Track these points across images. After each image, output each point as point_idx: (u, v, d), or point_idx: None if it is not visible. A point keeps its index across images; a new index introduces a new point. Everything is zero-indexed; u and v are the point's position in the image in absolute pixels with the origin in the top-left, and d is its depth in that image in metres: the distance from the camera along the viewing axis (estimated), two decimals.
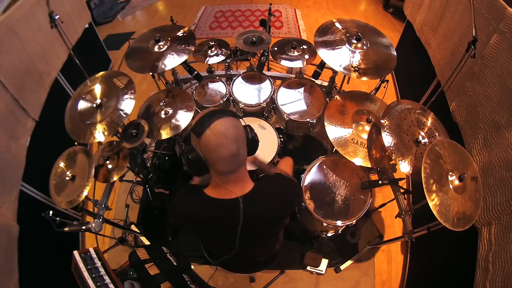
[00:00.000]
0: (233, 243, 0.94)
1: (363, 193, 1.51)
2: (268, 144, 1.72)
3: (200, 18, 4.18)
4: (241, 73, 2.04)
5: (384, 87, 1.74)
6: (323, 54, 1.56)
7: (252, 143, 0.92)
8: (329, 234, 1.75)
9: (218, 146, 0.78)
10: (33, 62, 1.86)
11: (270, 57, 2.14)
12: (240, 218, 0.87)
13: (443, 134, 1.38)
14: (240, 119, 0.87)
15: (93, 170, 1.36)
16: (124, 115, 1.44)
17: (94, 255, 1.19)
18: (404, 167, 1.25)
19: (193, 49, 1.73)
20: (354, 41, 1.56)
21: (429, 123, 1.39)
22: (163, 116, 1.67)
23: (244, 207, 0.87)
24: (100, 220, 1.46)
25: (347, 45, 1.57)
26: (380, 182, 1.41)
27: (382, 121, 1.33)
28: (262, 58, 1.92)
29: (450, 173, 1.13)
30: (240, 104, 1.90)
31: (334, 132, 1.51)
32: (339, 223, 1.45)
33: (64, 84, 2.26)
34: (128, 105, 1.47)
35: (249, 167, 1.58)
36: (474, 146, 1.40)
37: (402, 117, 1.37)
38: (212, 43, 2.03)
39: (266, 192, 0.94)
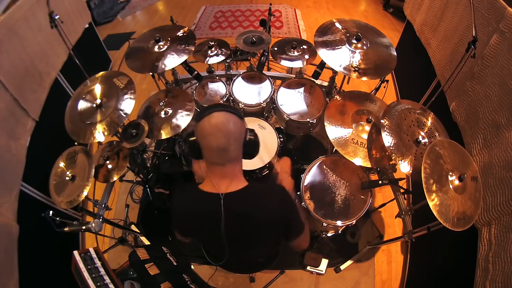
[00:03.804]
0: (221, 242, 0.94)
1: (363, 193, 1.51)
2: (268, 144, 1.72)
3: (200, 18, 4.18)
4: (241, 73, 2.04)
5: (384, 87, 1.74)
6: (323, 54, 1.56)
7: (248, 146, 0.92)
8: (329, 234, 1.74)
9: (208, 135, 0.83)
10: (33, 62, 1.86)
11: (270, 57, 2.14)
12: (222, 215, 0.87)
13: (443, 134, 1.38)
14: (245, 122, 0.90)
15: (93, 170, 1.36)
16: (124, 115, 1.44)
17: (94, 255, 1.19)
18: (404, 167, 1.25)
19: (193, 49, 1.73)
20: (354, 41, 1.56)
21: (429, 123, 1.39)
22: (163, 116, 1.67)
23: (225, 204, 0.87)
24: (100, 220, 1.46)
25: (347, 45, 1.57)
26: (380, 182, 1.40)
27: (382, 121, 1.33)
28: (262, 58, 1.92)
29: (450, 173, 1.13)
30: (240, 104, 1.90)
31: (334, 132, 1.51)
32: (339, 223, 1.45)
33: (64, 84, 2.26)
34: (128, 105, 1.47)
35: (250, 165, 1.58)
36: (474, 146, 1.40)
37: (402, 117, 1.37)
38: (212, 43, 2.03)
39: (256, 195, 0.92)
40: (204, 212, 0.91)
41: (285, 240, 1.02)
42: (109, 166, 1.55)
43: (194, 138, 0.90)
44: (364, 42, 1.57)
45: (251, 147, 0.94)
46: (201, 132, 0.85)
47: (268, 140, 1.75)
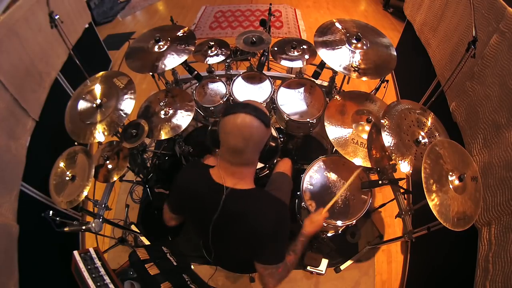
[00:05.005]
0: (207, 232, 0.97)
1: (363, 193, 1.51)
2: None
3: (200, 18, 4.18)
4: (241, 73, 2.04)
5: (384, 87, 1.74)
6: (323, 54, 1.56)
7: (266, 153, 0.93)
8: (329, 234, 1.74)
9: (228, 133, 0.85)
10: (33, 62, 1.86)
11: (270, 57, 2.14)
12: (219, 206, 0.90)
13: (443, 134, 1.38)
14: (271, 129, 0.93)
15: (93, 170, 1.36)
16: (124, 115, 1.44)
17: (94, 255, 1.19)
18: (404, 167, 1.25)
19: (193, 49, 1.73)
20: (354, 41, 1.56)
21: (429, 123, 1.39)
22: (163, 116, 1.67)
23: (227, 198, 0.89)
24: (100, 220, 1.46)
25: (347, 45, 1.57)
26: (380, 182, 1.40)
27: (382, 121, 1.33)
28: (262, 58, 1.92)
29: (450, 173, 1.13)
30: None
31: (334, 132, 1.51)
32: (339, 223, 1.45)
33: (64, 84, 2.26)
34: (128, 105, 1.47)
35: None
36: (474, 146, 1.40)
37: (402, 117, 1.37)
38: (212, 43, 2.03)
39: (257, 200, 0.93)
40: (206, 198, 0.93)
41: (256, 260, 0.96)
42: (109, 166, 1.55)
43: (216, 128, 0.92)
44: (364, 42, 1.57)
45: (268, 155, 0.94)
46: (223, 127, 0.86)
47: None
